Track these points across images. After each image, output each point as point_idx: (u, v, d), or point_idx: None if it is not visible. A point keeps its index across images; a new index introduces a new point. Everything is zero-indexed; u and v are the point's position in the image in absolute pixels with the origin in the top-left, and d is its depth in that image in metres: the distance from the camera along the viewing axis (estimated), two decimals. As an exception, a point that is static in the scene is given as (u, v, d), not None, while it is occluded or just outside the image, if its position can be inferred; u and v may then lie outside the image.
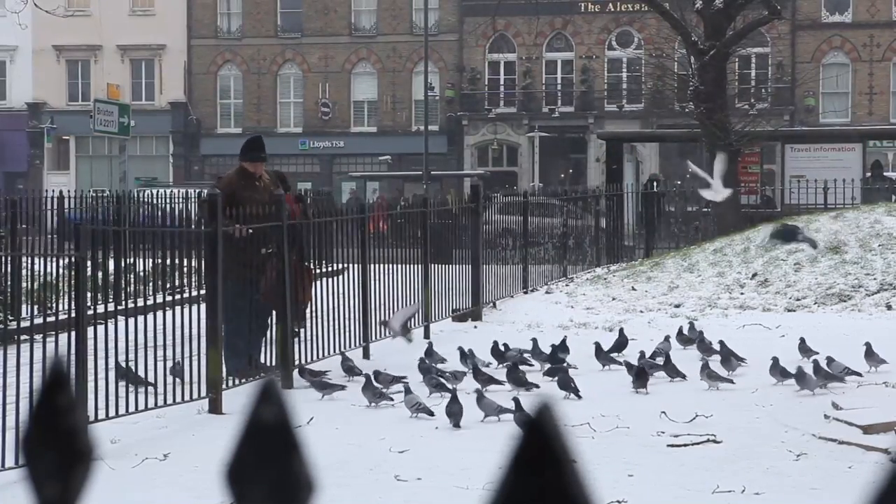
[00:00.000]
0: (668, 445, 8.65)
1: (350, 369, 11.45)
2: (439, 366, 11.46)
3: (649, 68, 44.76)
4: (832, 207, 23.15)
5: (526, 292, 18.10)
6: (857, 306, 15.71)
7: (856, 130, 37.14)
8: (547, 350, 12.04)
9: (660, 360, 11.65)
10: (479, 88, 52.61)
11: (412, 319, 12.14)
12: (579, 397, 10.30)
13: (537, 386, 10.59)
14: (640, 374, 10.81)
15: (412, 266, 14.73)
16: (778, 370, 10.98)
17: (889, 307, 15.54)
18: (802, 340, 12.21)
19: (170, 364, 10.11)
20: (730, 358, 11.62)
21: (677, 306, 16.27)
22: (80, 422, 0.90)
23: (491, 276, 16.83)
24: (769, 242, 15.34)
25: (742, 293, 16.56)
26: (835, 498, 7.09)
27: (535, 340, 12.25)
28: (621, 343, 12.70)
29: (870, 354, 11.56)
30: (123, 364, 9.52)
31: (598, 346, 12.13)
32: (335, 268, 13.33)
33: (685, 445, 8.63)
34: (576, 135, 51.49)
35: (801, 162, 29.65)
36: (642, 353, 11.77)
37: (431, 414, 9.52)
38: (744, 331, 14.27)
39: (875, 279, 16.30)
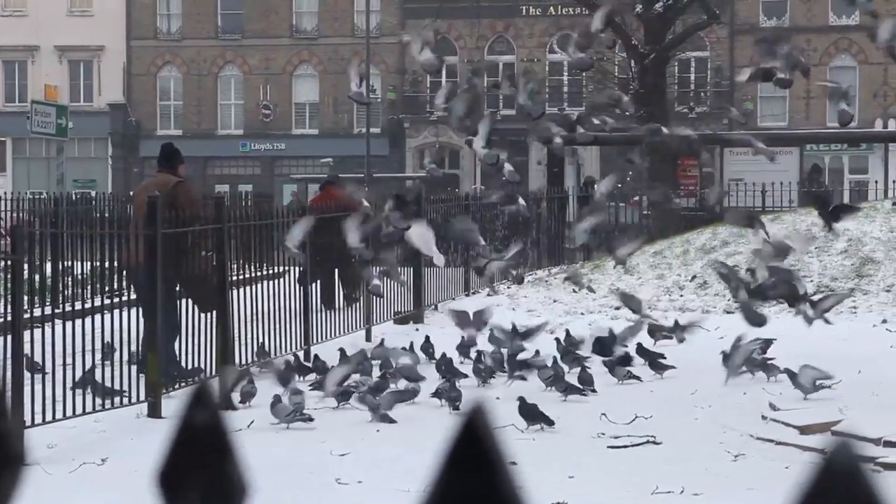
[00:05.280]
0: (609, 447, 8.70)
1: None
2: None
3: (590, 72, 44.94)
4: (770, 210, 23.42)
5: (468, 294, 18.12)
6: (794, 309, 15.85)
7: (793, 134, 37.55)
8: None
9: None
10: (420, 91, 52.61)
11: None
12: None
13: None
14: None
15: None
16: None
17: (826, 309, 15.70)
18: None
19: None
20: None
21: (617, 308, 16.35)
22: (11, 426, 0.89)
23: (433, 279, 16.83)
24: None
25: (681, 295, 16.69)
26: (772, 497, 7.14)
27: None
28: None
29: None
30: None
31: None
32: (276, 270, 13.27)
33: (625, 447, 8.69)
34: (517, 138, 51.57)
35: (740, 165, 29.93)
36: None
37: (311, 420, 9.40)
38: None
39: (812, 281, 16.48)
